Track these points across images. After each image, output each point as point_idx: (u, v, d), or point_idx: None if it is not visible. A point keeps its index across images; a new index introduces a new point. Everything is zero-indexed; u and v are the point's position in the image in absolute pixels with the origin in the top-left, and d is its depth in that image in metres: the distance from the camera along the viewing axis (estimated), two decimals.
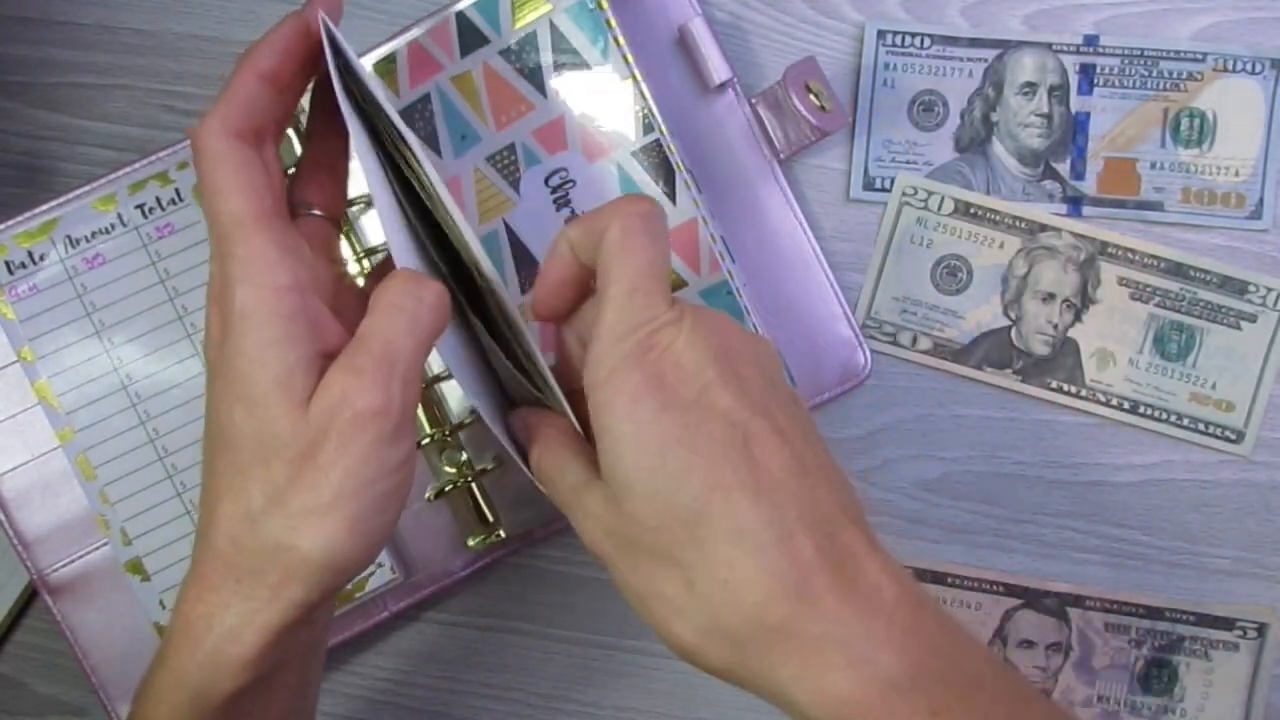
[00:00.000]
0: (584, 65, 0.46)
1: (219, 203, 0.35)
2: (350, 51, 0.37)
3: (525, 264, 0.48)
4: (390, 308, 0.35)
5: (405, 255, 0.37)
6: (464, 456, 0.48)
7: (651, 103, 0.46)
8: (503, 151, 0.47)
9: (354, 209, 0.49)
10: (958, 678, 0.33)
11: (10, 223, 0.48)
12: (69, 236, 0.47)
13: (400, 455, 0.34)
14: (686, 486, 0.33)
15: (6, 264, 0.47)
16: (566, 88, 0.47)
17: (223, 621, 0.34)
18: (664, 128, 0.47)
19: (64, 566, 0.47)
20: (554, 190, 0.47)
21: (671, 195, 0.46)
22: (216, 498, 0.34)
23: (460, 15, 0.47)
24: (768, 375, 0.36)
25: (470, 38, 0.47)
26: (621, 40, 0.46)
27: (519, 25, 0.47)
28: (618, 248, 0.35)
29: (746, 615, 0.32)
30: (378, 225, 0.49)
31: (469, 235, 0.38)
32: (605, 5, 0.46)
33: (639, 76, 0.46)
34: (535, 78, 0.47)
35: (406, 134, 0.37)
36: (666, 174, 0.46)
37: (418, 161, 0.37)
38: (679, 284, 0.47)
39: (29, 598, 0.50)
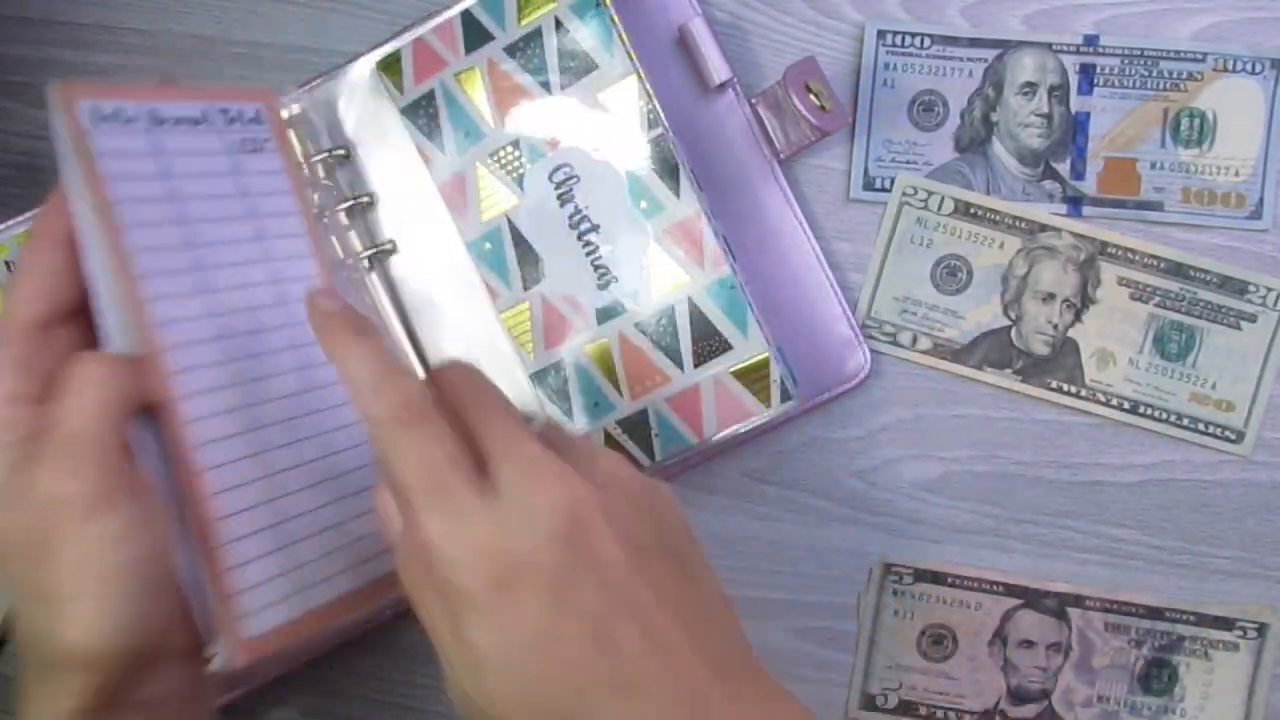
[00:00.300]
0: (589, 62, 0.46)
1: None
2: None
3: (528, 261, 0.48)
4: (74, 391, 0.35)
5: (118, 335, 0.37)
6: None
7: (654, 99, 0.46)
8: (506, 148, 0.47)
9: (361, 203, 0.49)
10: None
11: (10, 223, 0.48)
12: None
13: (110, 530, 0.34)
14: (550, 696, 0.32)
15: (6, 263, 0.47)
16: (571, 84, 0.47)
17: (36, 712, 0.36)
18: (667, 124, 0.47)
19: None
20: (558, 186, 0.47)
21: (676, 190, 0.46)
22: None
23: (465, 13, 0.47)
24: (614, 536, 0.34)
25: (475, 35, 0.47)
26: (625, 37, 0.46)
27: (524, 22, 0.47)
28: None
29: None
30: (385, 221, 0.49)
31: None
32: (609, 3, 0.46)
33: (643, 74, 0.46)
34: (540, 74, 0.47)
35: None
36: (671, 169, 0.46)
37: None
38: (680, 282, 0.47)
39: None
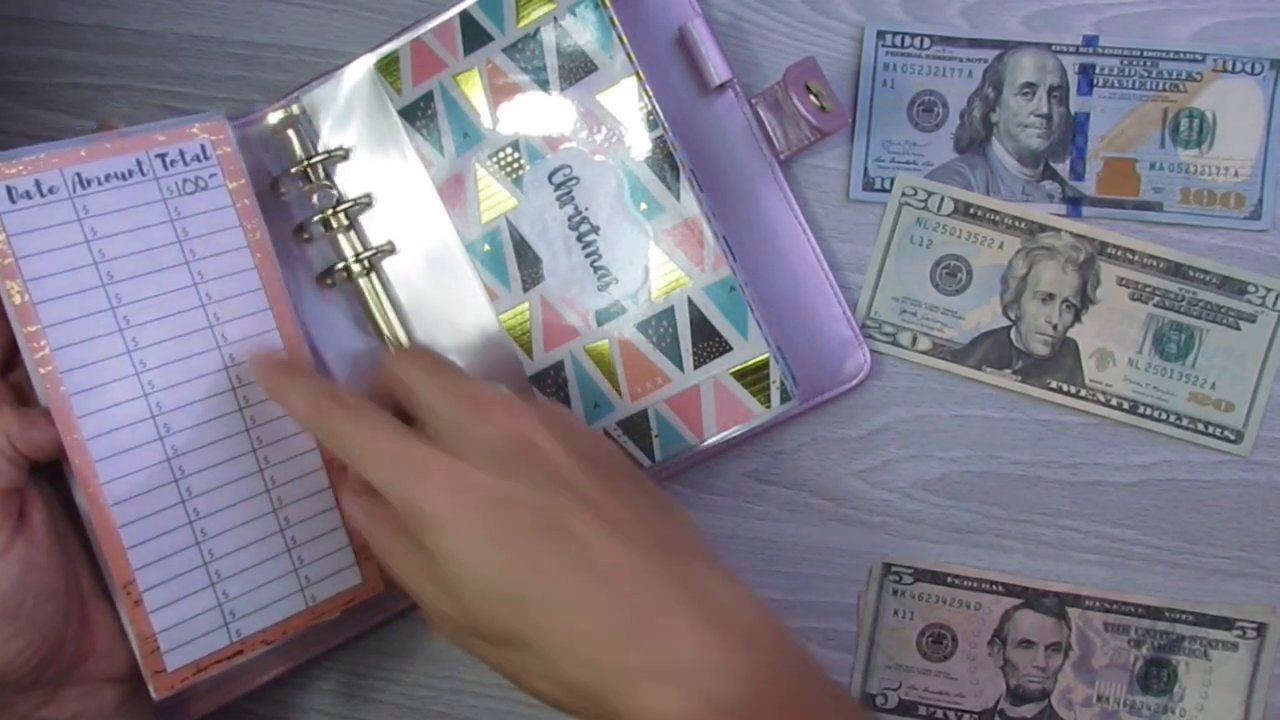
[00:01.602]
0: (588, 62, 0.46)
1: None
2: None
3: (527, 262, 0.48)
4: None
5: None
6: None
7: (654, 100, 0.46)
8: (506, 149, 0.47)
9: (360, 204, 0.49)
10: (798, 707, 0.35)
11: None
12: None
13: None
14: (508, 577, 0.36)
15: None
16: (570, 85, 0.47)
17: None
18: (667, 125, 0.47)
19: None
20: (558, 187, 0.47)
21: (676, 192, 0.46)
22: None
23: (464, 14, 0.47)
24: (562, 447, 0.38)
25: (474, 36, 0.47)
26: (625, 38, 0.46)
27: (523, 23, 0.47)
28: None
29: (585, 664, 0.35)
30: (377, 225, 0.49)
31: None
32: (608, 3, 0.46)
33: (642, 75, 0.46)
34: (539, 75, 0.47)
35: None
36: (671, 171, 0.46)
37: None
38: (680, 283, 0.47)
39: None
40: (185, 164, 0.44)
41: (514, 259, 0.48)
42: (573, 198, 0.47)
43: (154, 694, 0.42)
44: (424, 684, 0.51)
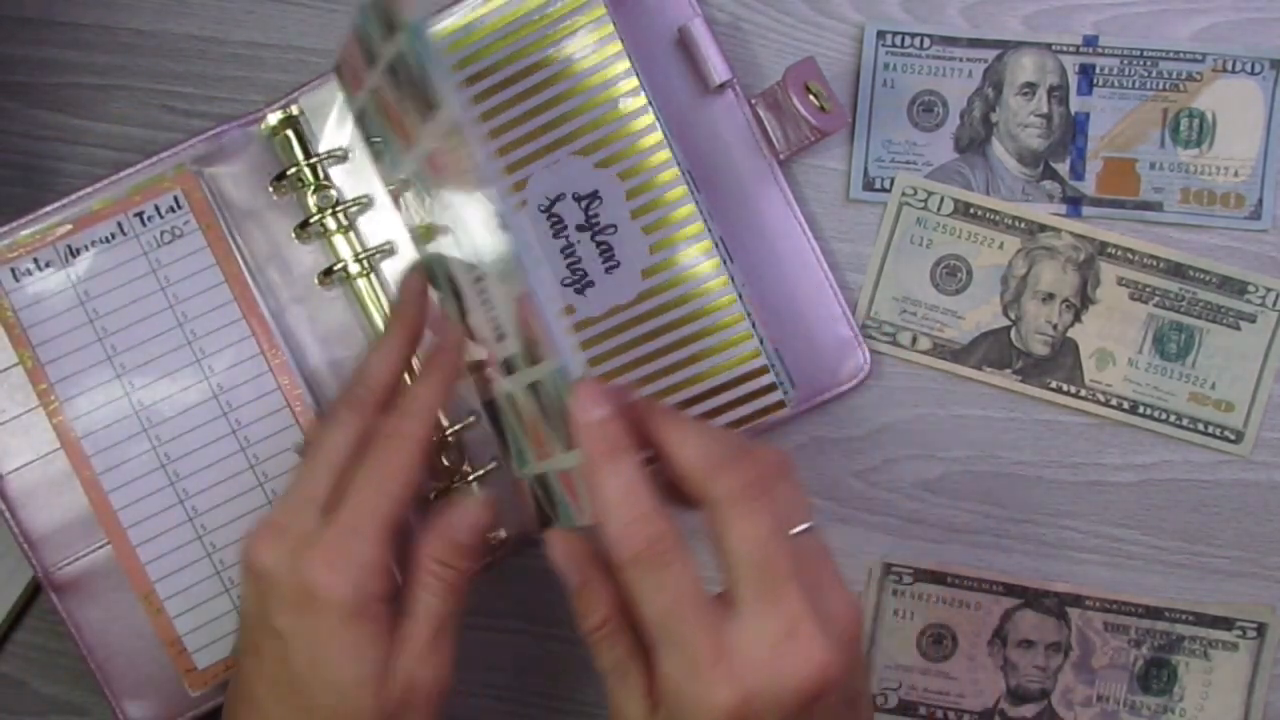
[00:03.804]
0: (428, 100, 0.39)
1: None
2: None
3: (453, 296, 0.44)
4: (430, 579, 0.40)
5: None
6: (464, 457, 0.48)
7: (485, 159, 0.37)
8: (409, 177, 0.44)
9: (354, 209, 0.49)
10: None
11: (10, 225, 0.48)
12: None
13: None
14: None
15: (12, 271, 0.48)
16: (425, 122, 0.40)
17: None
18: (667, 125, 0.47)
19: (68, 565, 0.47)
20: (451, 225, 0.42)
21: (511, 261, 0.36)
22: None
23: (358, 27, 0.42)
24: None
25: (370, 52, 0.42)
26: (623, 42, 0.46)
27: (389, 47, 0.40)
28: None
29: None
30: (384, 223, 0.49)
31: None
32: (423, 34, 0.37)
33: (641, 78, 0.46)
34: (404, 105, 0.41)
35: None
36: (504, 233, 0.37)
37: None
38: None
39: (30, 597, 0.50)
40: (161, 217, 0.48)
41: (447, 286, 0.44)
42: (460, 240, 0.42)
43: (189, 691, 0.46)
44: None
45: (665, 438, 0.35)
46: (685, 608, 0.33)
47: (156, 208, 0.48)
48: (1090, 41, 0.51)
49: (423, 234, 0.46)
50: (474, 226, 0.39)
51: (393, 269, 0.49)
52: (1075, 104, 0.51)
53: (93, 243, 0.48)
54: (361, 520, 0.39)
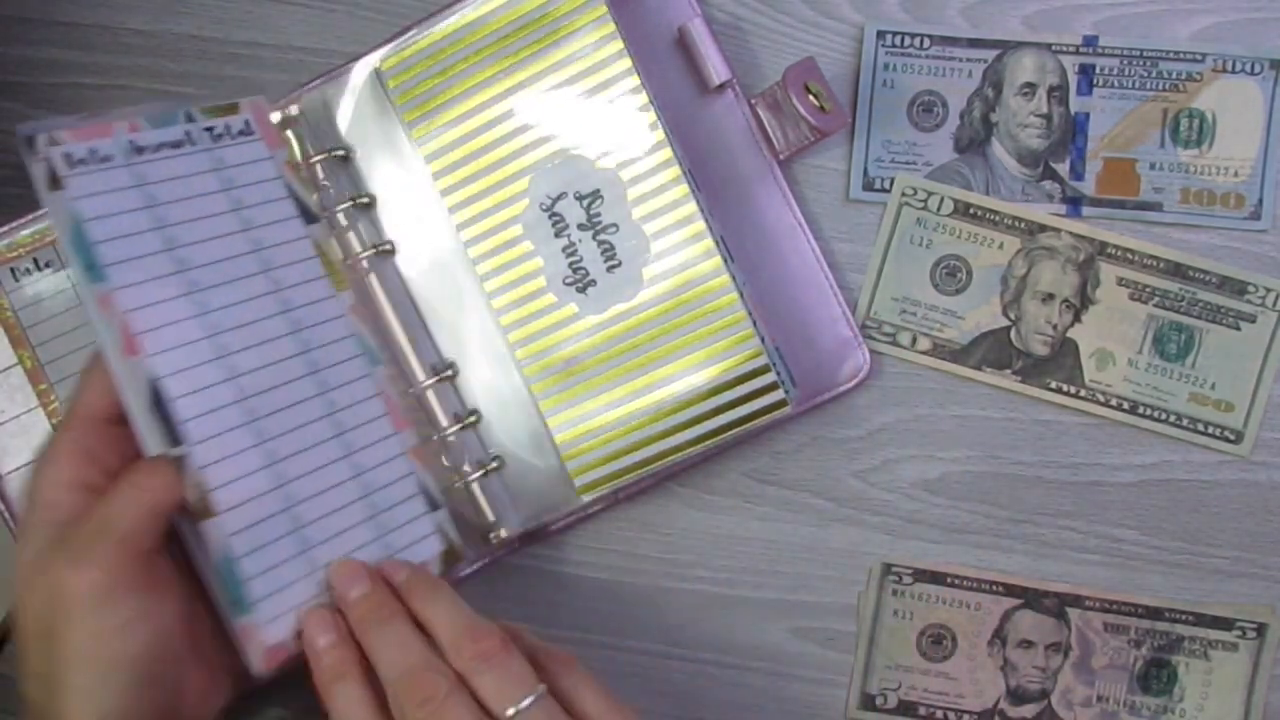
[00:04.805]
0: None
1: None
2: None
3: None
4: (122, 491, 0.38)
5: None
6: (463, 456, 0.48)
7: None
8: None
9: (360, 203, 0.49)
10: None
11: (10, 225, 0.48)
12: None
13: (113, 623, 0.37)
14: None
15: (12, 270, 0.47)
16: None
17: None
18: (666, 125, 0.46)
19: None
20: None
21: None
22: None
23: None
24: None
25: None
26: (624, 41, 0.46)
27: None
28: None
29: None
30: (385, 222, 0.49)
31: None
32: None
33: (642, 78, 0.46)
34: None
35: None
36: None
37: None
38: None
39: None
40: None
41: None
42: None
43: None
44: None
45: (419, 610, 0.41)
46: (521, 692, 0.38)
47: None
48: (1090, 41, 0.51)
49: None
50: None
51: (394, 267, 0.49)
52: (1075, 104, 0.51)
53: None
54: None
